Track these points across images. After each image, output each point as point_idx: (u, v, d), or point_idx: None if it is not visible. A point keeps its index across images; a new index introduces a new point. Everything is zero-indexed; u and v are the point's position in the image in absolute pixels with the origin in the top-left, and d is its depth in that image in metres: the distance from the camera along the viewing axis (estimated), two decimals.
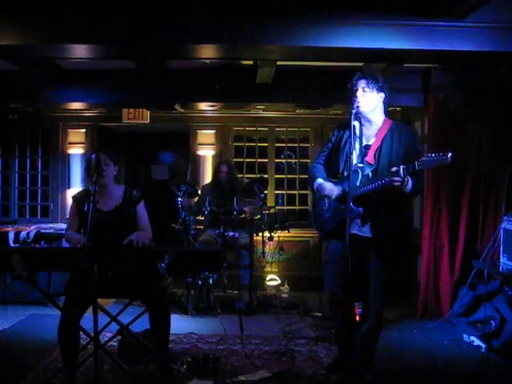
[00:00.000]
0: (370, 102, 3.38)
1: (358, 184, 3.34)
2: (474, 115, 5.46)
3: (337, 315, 3.62)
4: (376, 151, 3.38)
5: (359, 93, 3.36)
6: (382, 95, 3.42)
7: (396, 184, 3.14)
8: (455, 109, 5.51)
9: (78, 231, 3.71)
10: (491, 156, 5.38)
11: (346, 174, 3.39)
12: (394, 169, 3.14)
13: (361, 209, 3.33)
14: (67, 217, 7.24)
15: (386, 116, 3.51)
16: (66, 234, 3.75)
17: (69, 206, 3.89)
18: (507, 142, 5.26)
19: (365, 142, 3.45)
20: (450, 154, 3.01)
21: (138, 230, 3.70)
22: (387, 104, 3.51)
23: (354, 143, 3.35)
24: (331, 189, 3.44)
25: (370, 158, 3.39)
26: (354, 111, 3.29)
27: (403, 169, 3.11)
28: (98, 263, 2.92)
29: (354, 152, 3.36)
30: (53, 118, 7.43)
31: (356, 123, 3.42)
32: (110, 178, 3.69)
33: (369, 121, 3.45)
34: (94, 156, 3.61)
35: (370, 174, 3.36)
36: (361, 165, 3.39)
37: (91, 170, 3.59)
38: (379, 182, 3.23)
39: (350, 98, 3.38)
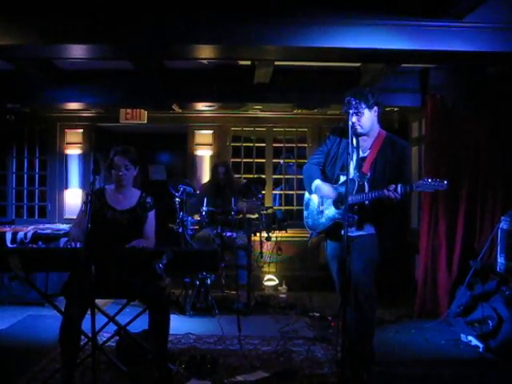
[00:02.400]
0: (366, 122, 3.50)
1: (353, 193, 3.48)
2: (472, 115, 5.47)
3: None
4: (372, 163, 3.52)
5: (354, 119, 3.42)
6: (375, 109, 3.53)
7: (389, 199, 3.31)
8: (453, 109, 5.52)
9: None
10: (488, 156, 5.38)
11: (342, 180, 3.57)
12: (392, 186, 3.29)
13: (356, 216, 3.50)
14: (65, 217, 7.26)
15: (380, 126, 3.63)
16: (70, 229, 3.77)
17: (66, 207, 3.90)
18: (504, 142, 5.28)
19: (361, 154, 3.59)
20: (445, 182, 3.27)
21: (142, 236, 3.72)
22: (382, 105, 3.64)
23: (352, 154, 3.49)
24: (328, 193, 3.60)
25: (365, 168, 3.53)
26: (351, 131, 3.34)
27: (401, 187, 3.28)
28: (96, 264, 2.92)
29: (351, 163, 3.52)
30: (50, 118, 7.41)
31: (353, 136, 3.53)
32: (129, 181, 3.74)
33: (365, 135, 3.58)
34: (116, 159, 3.67)
35: (366, 183, 3.51)
36: (357, 174, 3.54)
37: (111, 172, 3.70)
38: (374, 194, 3.39)
39: (346, 120, 3.37)
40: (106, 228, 3.21)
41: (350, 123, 3.33)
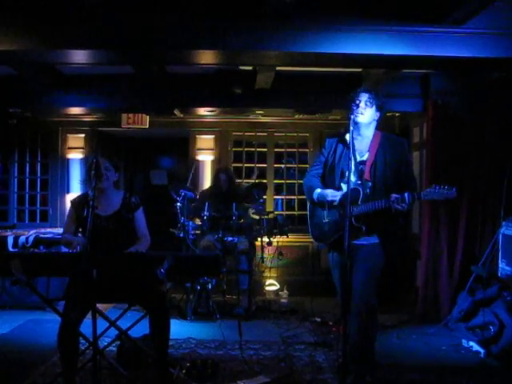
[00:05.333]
0: (369, 116, 3.48)
1: (359, 202, 3.43)
2: (473, 120, 5.48)
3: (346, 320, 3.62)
4: (371, 167, 3.48)
5: (362, 104, 3.44)
6: (378, 114, 3.54)
7: (396, 208, 3.28)
8: (454, 114, 5.52)
9: (75, 236, 3.70)
10: (489, 161, 5.39)
11: (344, 188, 3.49)
12: (397, 197, 3.26)
13: (364, 227, 3.44)
14: None
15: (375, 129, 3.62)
16: (62, 237, 3.75)
17: (68, 211, 3.89)
18: (505, 147, 5.27)
19: (358, 158, 3.54)
20: (454, 189, 3.20)
21: (137, 237, 3.72)
22: (381, 118, 3.61)
23: (349, 159, 3.39)
24: (333, 194, 3.52)
25: (367, 174, 3.49)
26: (352, 117, 3.35)
27: (408, 196, 3.25)
28: (97, 268, 2.92)
29: (350, 160, 3.43)
30: (52, 122, 7.44)
31: (347, 136, 3.48)
32: (110, 184, 3.69)
33: (361, 135, 3.55)
34: (95, 160, 3.61)
35: (369, 190, 3.47)
36: (360, 182, 3.49)
37: (91, 174, 3.61)
38: (381, 204, 3.35)
39: (349, 105, 3.42)
40: (95, 235, 3.15)
41: (355, 109, 3.37)
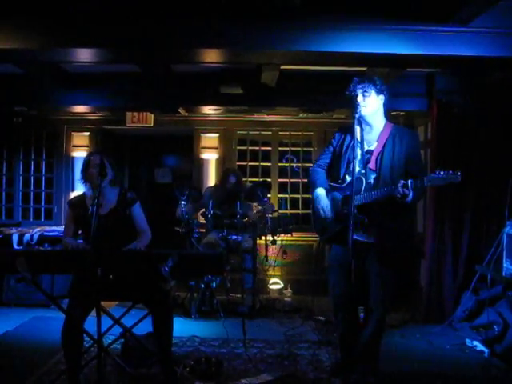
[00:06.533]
0: (372, 105, 3.37)
1: (361, 192, 3.32)
2: (477, 119, 5.47)
3: (340, 319, 3.61)
4: (378, 157, 3.37)
5: (360, 98, 3.35)
6: (381, 97, 3.41)
7: (400, 195, 3.12)
8: (458, 113, 5.51)
9: (75, 236, 3.71)
10: (494, 160, 5.38)
11: (348, 179, 3.41)
12: (402, 182, 3.11)
13: (366, 218, 3.33)
14: None
15: (386, 119, 3.50)
16: (63, 240, 3.76)
17: None
18: (510, 146, 5.27)
19: (366, 147, 3.43)
20: (459, 173, 3.03)
21: (137, 232, 3.72)
22: (387, 106, 3.50)
23: (356, 149, 3.31)
24: (328, 210, 3.47)
25: (372, 164, 3.38)
26: (356, 115, 3.31)
27: (411, 183, 3.09)
28: (102, 266, 2.93)
29: (355, 159, 3.34)
30: (57, 121, 7.47)
31: (357, 128, 3.37)
32: (107, 182, 3.67)
33: (370, 125, 3.44)
34: (94, 157, 3.62)
35: (373, 181, 3.36)
36: (363, 172, 3.38)
37: (89, 172, 3.62)
38: (383, 192, 3.22)
39: (351, 103, 3.39)
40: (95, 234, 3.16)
41: (356, 104, 3.30)
